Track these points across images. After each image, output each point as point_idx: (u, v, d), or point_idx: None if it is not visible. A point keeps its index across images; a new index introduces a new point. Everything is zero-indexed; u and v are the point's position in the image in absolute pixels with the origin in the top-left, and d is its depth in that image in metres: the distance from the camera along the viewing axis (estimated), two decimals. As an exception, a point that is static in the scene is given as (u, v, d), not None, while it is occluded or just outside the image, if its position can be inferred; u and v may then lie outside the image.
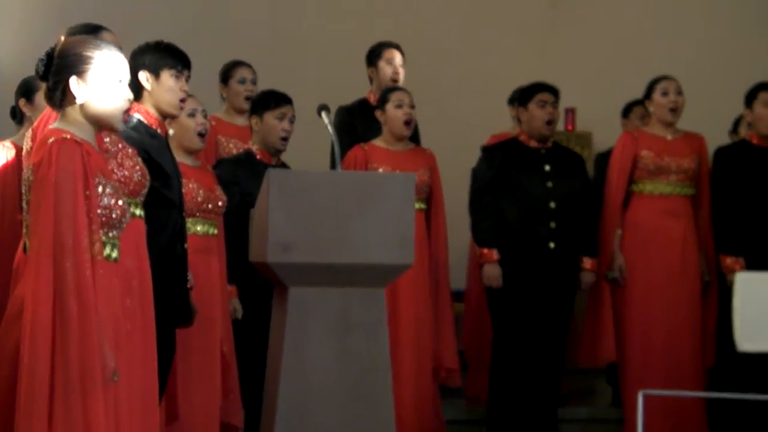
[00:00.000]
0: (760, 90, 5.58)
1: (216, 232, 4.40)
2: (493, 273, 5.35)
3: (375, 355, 3.52)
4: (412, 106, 5.33)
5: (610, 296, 5.56)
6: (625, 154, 5.59)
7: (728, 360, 5.30)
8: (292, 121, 4.89)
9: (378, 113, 5.38)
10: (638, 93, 5.73)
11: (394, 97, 5.33)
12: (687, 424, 5.37)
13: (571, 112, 7.15)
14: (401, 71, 5.73)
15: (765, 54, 7.17)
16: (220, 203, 4.39)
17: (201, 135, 4.34)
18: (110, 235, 3.01)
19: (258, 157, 4.87)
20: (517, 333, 5.34)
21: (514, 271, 5.35)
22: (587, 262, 5.46)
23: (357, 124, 5.61)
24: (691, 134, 5.63)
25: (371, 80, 5.80)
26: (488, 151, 5.60)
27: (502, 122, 6.28)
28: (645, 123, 5.76)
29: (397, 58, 5.73)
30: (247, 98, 5.43)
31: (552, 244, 5.37)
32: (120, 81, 3.11)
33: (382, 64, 5.73)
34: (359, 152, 5.32)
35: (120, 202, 3.02)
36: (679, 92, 5.55)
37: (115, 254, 3.03)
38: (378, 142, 5.39)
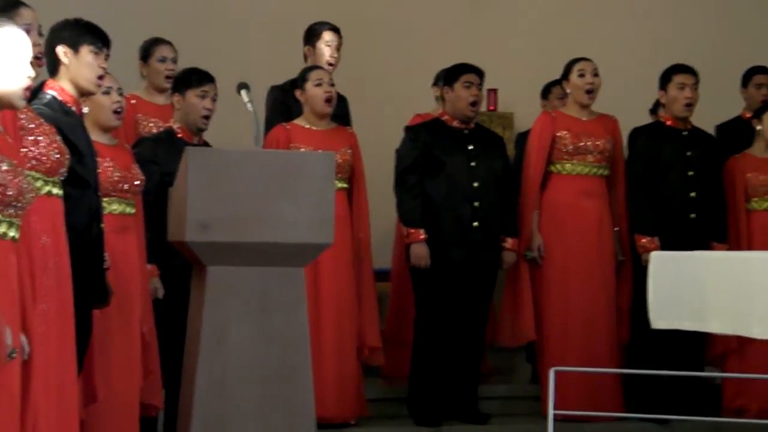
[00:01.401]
0: (673, 73, 5.69)
1: (133, 211, 4.36)
2: (420, 252, 5.38)
3: (295, 335, 3.53)
4: (332, 84, 5.33)
5: (529, 276, 5.63)
6: (543, 134, 5.66)
7: (643, 337, 5.42)
8: (214, 100, 4.86)
9: (298, 93, 5.37)
10: (558, 74, 5.79)
11: (313, 75, 5.32)
12: (602, 399, 5.46)
13: (493, 92, 7.19)
14: (337, 54, 5.72)
15: (680, 37, 7.29)
16: (137, 182, 4.35)
17: (116, 113, 4.28)
18: (6, 213, 2.92)
19: (179, 135, 4.83)
20: (440, 312, 5.38)
21: (439, 251, 5.39)
22: (508, 242, 5.52)
23: (290, 103, 5.59)
24: (605, 116, 5.72)
25: (306, 59, 5.77)
26: (412, 131, 5.62)
27: (425, 103, 6.31)
28: (564, 104, 5.84)
29: (336, 40, 5.72)
30: (168, 77, 5.38)
31: (476, 224, 5.42)
32: (20, 59, 3.03)
33: (320, 44, 5.71)
34: (281, 131, 5.31)
35: (18, 180, 2.93)
36: (596, 74, 5.63)
37: (12, 233, 2.93)
38: (300, 122, 5.38)
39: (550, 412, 1.74)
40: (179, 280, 4.50)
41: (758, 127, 5.77)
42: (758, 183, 5.77)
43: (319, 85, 5.30)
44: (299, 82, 5.37)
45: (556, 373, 5.39)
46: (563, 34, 7.21)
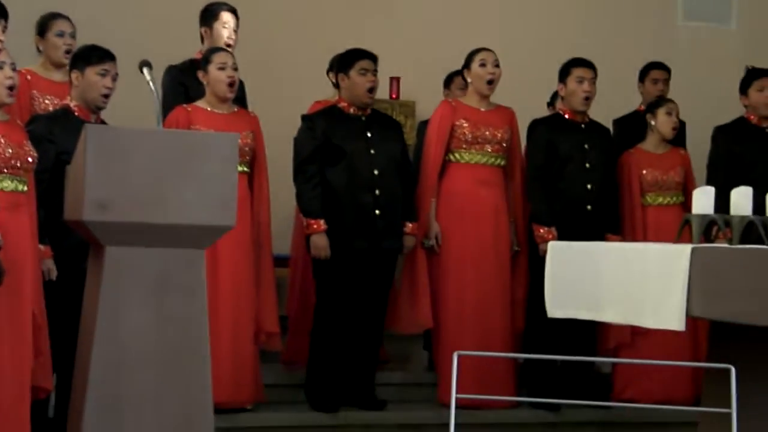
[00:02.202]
0: (572, 66, 5.77)
1: (26, 189, 4.24)
2: (320, 243, 5.35)
3: (193, 318, 3.49)
4: (236, 68, 5.26)
5: (426, 264, 5.66)
6: (442, 123, 5.69)
7: (537, 326, 5.49)
8: (114, 79, 4.75)
9: (201, 74, 5.29)
10: (461, 63, 5.82)
11: (217, 58, 5.25)
12: (496, 387, 5.52)
13: (395, 81, 7.20)
14: (235, 36, 5.64)
15: (580, 30, 7.39)
16: (29, 159, 4.23)
17: (10, 89, 4.16)
18: None
19: (76, 113, 4.72)
20: (340, 299, 5.36)
21: (341, 240, 5.37)
22: (408, 227, 5.54)
23: (188, 84, 5.50)
24: (503, 107, 5.78)
25: (203, 39, 5.69)
26: (309, 119, 5.54)
27: (327, 87, 6.27)
28: (465, 93, 5.87)
29: (233, 21, 5.65)
30: (67, 52, 5.24)
31: (377, 212, 5.42)
32: None
33: (217, 25, 5.62)
34: (181, 113, 5.22)
35: None
36: (497, 64, 5.68)
37: None
38: (201, 104, 5.30)
39: (453, 395, 1.75)
40: (73, 261, 4.41)
41: (652, 122, 5.90)
42: (652, 180, 5.90)
43: (222, 68, 5.23)
44: (202, 63, 5.30)
45: (448, 361, 5.45)
46: (466, 24, 7.25)
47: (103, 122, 4.81)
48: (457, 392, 5.38)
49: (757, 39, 7.66)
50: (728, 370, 1.68)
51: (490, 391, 5.37)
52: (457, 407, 5.30)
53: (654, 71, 6.52)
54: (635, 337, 5.66)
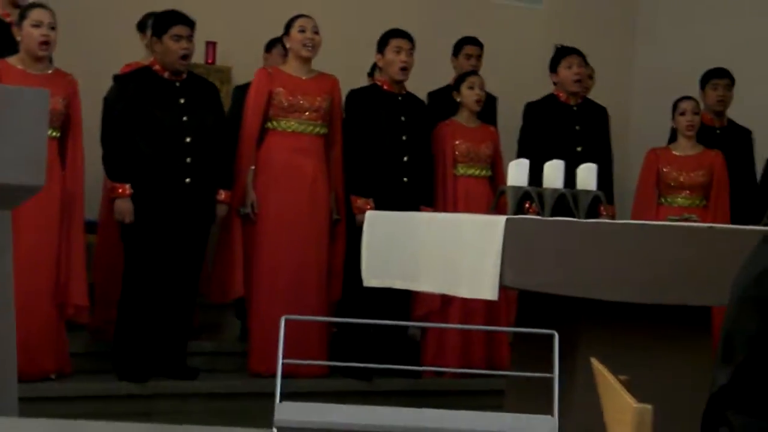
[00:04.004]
0: (390, 37, 5.80)
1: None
2: (123, 208, 5.21)
3: (-2, 282, 3.32)
4: (53, 27, 5.03)
5: (241, 232, 5.59)
6: (260, 90, 5.62)
7: (353, 295, 5.51)
8: None
9: (15, 30, 5.04)
10: (279, 29, 5.76)
11: (33, 15, 5.01)
12: (310, 354, 5.51)
13: (211, 45, 7.06)
14: None
15: (399, 3, 7.43)
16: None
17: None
18: None
19: None
20: (149, 266, 5.24)
21: (149, 206, 5.24)
22: (221, 194, 5.45)
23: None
24: (325, 75, 5.74)
25: None
26: (120, 81, 5.39)
27: (138, 50, 6.09)
28: (285, 60, 5.81)
29: None
30: None
31: (188, 179, 5.31)
32: None
33: None
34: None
35: None
36: (316, 31, 5.64)
37: None
38: (13, 62, 5.06)
39: (280, 361, 1.72)
40: None
41: (458, 99, 6.01)
42: (465, 150, 6.01)
43: (36, 26, 4.99)
44: (18, 19, 5.05)
45: (261, 331, 5.42)
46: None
47: None
48: (269, 361, 5.39)
49: (564, 18, 7.89)
50: (549, 336, 1.72)
51: (303, 358, 5.35)
52: (271, 375, 5.31)
53: (467, 47, 6.64)
54: (444, 305, 5.76)
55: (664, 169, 6.05)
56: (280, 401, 1.75)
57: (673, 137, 6.21)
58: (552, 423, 1.68)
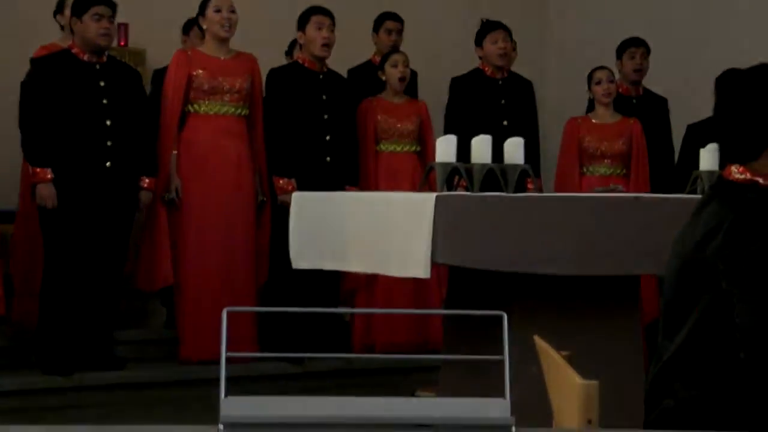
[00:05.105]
0: (311, 14, 5.73)
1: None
2: (46, 192, 5.09)
3: None
4: None
5: (166, 219, 5.49)
6: (179, 73, 5.51)
7: (281, 277, 5.46)
8: None
9: None
10: (195, 10, 5.65)
11: None
12: (237, 341, 5.45)
13: (124, 27, 6.90)
14: None
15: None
16: None
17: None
18: None
19: None
20: (71, 255, 5.13)
21: (70, 191, 5.12)
22: (145, 181, 5.35)
23: None
24: (245, 54, 5.65)
25: None
26: (38, 64, 5.27)
27: (54, 32, 5.92)
28: (203, 42, 5.71)
29: None
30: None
31: (108, 163, 5.20)
32: None
33: None
34: None
35: None
36: (233, 10, 5.53)
37: None
38: None
39: (223, 355, 1.67)
40: None
41: (383, 78, 5.99)
42: (387, 126, 5.99)
43: None
44: None
45: (191, 317, 5.35)
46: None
47: None
48: (199, 348, 5.32)
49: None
50: (499, 318, 1.69)
51: (230, 346, 5.28)
52: (202, 362, 5.25)
53: (388, 22, 6.61)
54: (370, 280, 5.74)
55: (586, 138, 6.09)
56: (225, 396, 1.70)
57: (590, 108, 6.26)
58: (504, 405, 1.66)
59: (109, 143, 5.20)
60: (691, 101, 6.33)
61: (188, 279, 5.46)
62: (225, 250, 5.48)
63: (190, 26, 6.16)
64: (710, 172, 4.28)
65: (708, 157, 4.35)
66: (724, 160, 2.49)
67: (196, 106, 5.53)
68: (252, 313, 5.58)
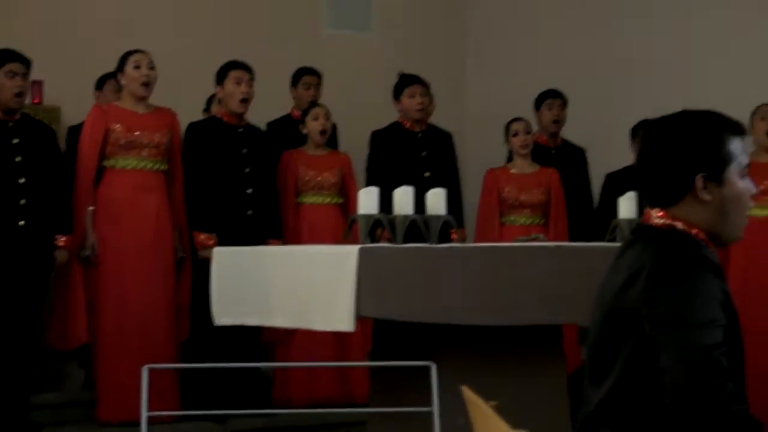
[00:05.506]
0: (230, 69, 5.71)
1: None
2: None
3: None
4: None
5: (82, 276, 5.38)
6: (95, 128, 5.44)
7: (201, 333, 5.37)
8: None
9: None
10: (110, 66, 5.59)
11: None
12: (159, 400, 5.33)
13: (38, 84, 6.79)
14: None
15: (237, 35, 7.32)
16: None
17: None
18: None
19: None
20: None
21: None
22: (60, 240, 5.24)
23: None
24: (163, 109, 5.60)
25: None
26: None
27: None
28: (120, 97, 5.64)
29: None
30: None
31: (22, 222, 5.09)
32: None
33: None
34: None
35: None
36: (152, 66, 5.49)
37: None
38: None
39: (144, 413, 1.61)
40: None
41: (304, 131, 5.99)
42: (308, 178, 5.98)
43: None
44: None
45: (109, 377, 5.21)
46: (116, 26, 6.98)
47: None
48: (119, 408, 5.19)
49: (396, 44, 7.95)
50: (427, 368, 1.67)
51: (155, 404, 5.16)
52: (122, 424, 5.11)
53: (306, 77, 6.64)
54: (288, 334, 5.67)
55: (505, 189, 6.14)
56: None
57: (509, 159, 6.32)
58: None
59: (22, 201, 5.10)
60: (608, 151, 6.43)
61: (106, 337, 5.34)
62: (143, 307, 5.36)
63: (103, 81, 6.09)
64: (629, 220, 4.33)
65: (626, 206, 4.40)
66: (645, 205, 2.52)
67: (113, 161, 5.45)
68: (173, 371, 5.46)
